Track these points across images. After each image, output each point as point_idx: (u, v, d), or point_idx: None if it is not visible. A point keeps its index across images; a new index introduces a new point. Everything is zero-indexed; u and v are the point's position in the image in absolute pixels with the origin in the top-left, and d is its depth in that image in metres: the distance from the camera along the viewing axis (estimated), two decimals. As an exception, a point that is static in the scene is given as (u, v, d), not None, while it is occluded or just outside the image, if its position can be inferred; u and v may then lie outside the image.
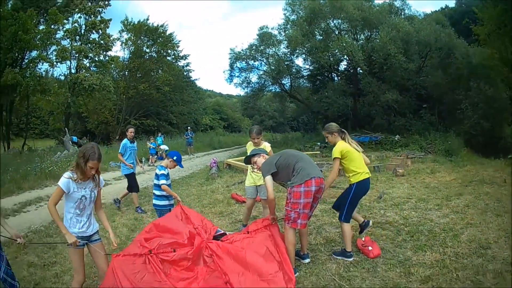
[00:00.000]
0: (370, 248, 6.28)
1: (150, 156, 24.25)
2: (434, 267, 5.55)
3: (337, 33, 30.75)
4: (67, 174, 4.49)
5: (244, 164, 7.62)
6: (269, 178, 5.85)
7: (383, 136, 25.96)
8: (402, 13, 30.84)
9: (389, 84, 27.25)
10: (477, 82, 22.67)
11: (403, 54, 25.28)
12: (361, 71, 29.15)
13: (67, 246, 4.58)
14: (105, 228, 4.99)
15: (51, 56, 32.82)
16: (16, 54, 28.79)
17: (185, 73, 50.32)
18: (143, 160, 23.56)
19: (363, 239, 6.55)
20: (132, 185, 11.11)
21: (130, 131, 11.43)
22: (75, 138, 28.28)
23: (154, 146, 24.43)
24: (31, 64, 29.78)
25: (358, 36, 31.44)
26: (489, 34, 22.62)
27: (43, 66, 33.74)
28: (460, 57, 24.50)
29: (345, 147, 6.40)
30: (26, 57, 30.64)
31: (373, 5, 29.73)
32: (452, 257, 5.86)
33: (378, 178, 13.52)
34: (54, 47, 33.08)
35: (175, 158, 7.38)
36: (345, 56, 30.04)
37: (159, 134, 30.59)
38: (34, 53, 30.42)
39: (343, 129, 6.63)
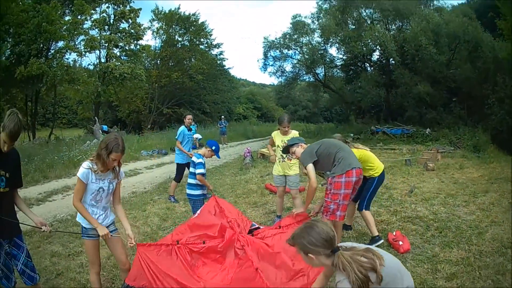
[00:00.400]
0: (400, 243, 6.35)
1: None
2: (459, 264, 5.65)
3: (369, 22, 31.19)
4: (86, 164, 4.38)
5: (281, 153, 7.55)
6: (311, 166, 5.85)
7: (415, 129, 26.09)
8: (431, 4, 31.00)
9: (421, 76, 27.41)
10: (503, 77, 22.38)
11: (434, 46, 25.36)
12: (393, 61, 29.37)
13: (83, 237, 4.61)
14: (123, 224, 4.82)
15: (79, 46, 33.40)
16: (41, 45, 29.19)
17: (218, 62, 50.35)
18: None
19: (394, 233, 6.70)
20: (178, 174, 11.15)
21: (188, 118, 11.43)
22: (105, 127, 28.47)
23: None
24: (57, 54, 30.20)
25: (390, 26, 31.62)
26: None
27: (71, 56, 34.15)
28: (487, 51, 24.19)
29: (357, 151, 6.62)
30: (52, 48, 31.15)
31: None
32: (476, 255, 5.97)
33: (409, 172, 13.73)
34: (82, 37, 33.66)
35: (213, 148, 7.42)
36: (378, 46, 30.25)
37: (192, 123, 30.73)
38: (61, 44, 30.78)
39: (346, 139, 6.78)
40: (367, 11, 31.42)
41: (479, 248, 6.21)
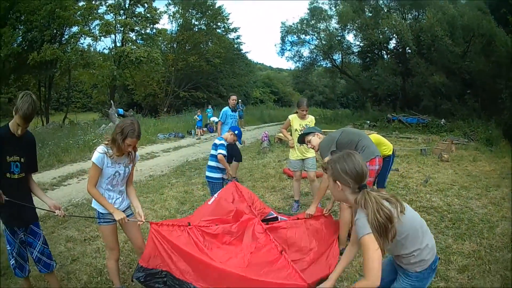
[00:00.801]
0: None
1: (197, 129, 25.12)
2: (471, 257, 5.80)
3: (386, 11, 31.20)
4: (101, 149, 4.29)
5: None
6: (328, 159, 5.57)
7: (430, 119, 26.28)
8: None
9: (436, 66, 27.48)
10: (516, 72, 22.23)
11: (449, 37, 25.46)
12: (409, 50, 29.70)
13: (99, 223, 4.53)
14: (133, 204, 4.76)
15: (94, 30, 33.85)
16: (55, 31, 29.55)
17: (235, 46, 50.29)
18: (192, 132, 24.52)
19: None
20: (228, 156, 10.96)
21: (233, 99, 11.31)
22: (121, 111, 28.47)
23: (200, 119, 25.38)
24: (72, 40, 30.63)
25: (406, 15, 31.57)
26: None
27: (86, 41, 34.20)
28: (500, 46, 24.12)
29: (372, 136, 6.78)
30: (66, 33, 31.51)
31: None
32: (487, 248, 6.11)
33: (424, 162, 13.96)
34: (97, 22, 34.03)
35: (236, 132, 7.52)
36: (394, 35, 30.39)
37: (209, 107, 30.99)
38: (75, 29, 31.18)
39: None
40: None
41: (490, 242, 6.37)
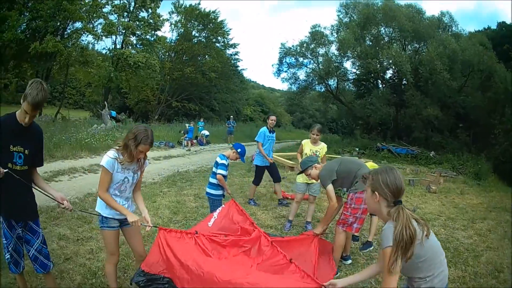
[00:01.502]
0: None
1: (187, 140, 24.72)
2: (456, 282, 5.99)
3: (386, 40, 31.55)
4: (112, 154, 4.26)
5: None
6: (330, 186, 6.05)
7: (420, 150, 26.40)
8: (450, 30, 31.11)
9: (432, 99, 27.78)
10: (512, 108, 22.60)
11: (448, 72, 25.66)
12: (405, 82, 29.80)
13: (102, 228, 4.43)
14: (140, 210, 4.67)
15: (97, 29, 33.31)
16: (58, 23, 29.22)
17: (233, 62, 50.54)
18: (182, 143, 24.57)
19: None
20: (257, 177, 10.57)
21: (272, 119, 10.60)
22: (113, 113, 28.34)
23: (191, 130, 25.39)
24: (74, 35, 30.39)
25: (407, 47, 31.96)
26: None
27: (87, 38, 34.09)
28: (498, 82, 24.46)
29: (368, 164, 7.36)
30: (69, 28, 31.24)
31: (424, 17, 30.31)
32: (471, 275, 6.32)
33: (412, 192, 13.96)
34: (100, 21, 33.69)
35: (239, 150, 7.31)
36: (392, 66, 30.38)
37: (201, 119, 31.13)
38: (79, 25, 30.97)
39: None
40: (386, 29, 31.78)
41: (475, 269, 6.57)
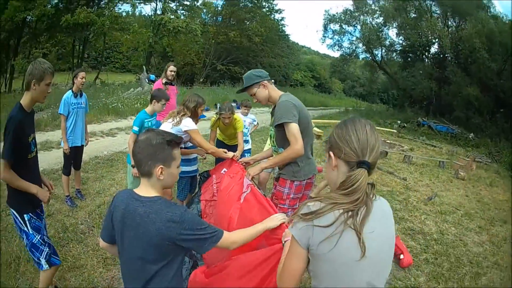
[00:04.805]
0: (401, 256, 5.80)
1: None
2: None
3: (428, 15, 30.37)
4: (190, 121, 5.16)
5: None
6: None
7: (460, 130, 25.52)
8: (488, 11, 29.59)
9: (472, 79, 26.75)
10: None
11: (487, 51, 24.68)
12: (449, 57, 28.70)
13: None
14: None
15: (133, -3, 34.35)
16: (92, -6, 29.65)
17: (279, 27, 49.86)
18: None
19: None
20: None
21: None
22: (152, 77, 28.30)
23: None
24: (110, 3, 30.76)
25: (447, 21, 30.87)
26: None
27: (124, 7, 35.03)
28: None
29: None
30: (105, -3, 31.65)
31: None
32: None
33: (438, 176, 12.86)
34: (137, -11, 33.95)
35: None
36: (435, 40, 29.91)
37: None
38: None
39: None
40: (426, 2, 30.89)
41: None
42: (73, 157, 6.76)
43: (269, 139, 5.46)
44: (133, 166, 5.27)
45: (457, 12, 28.34)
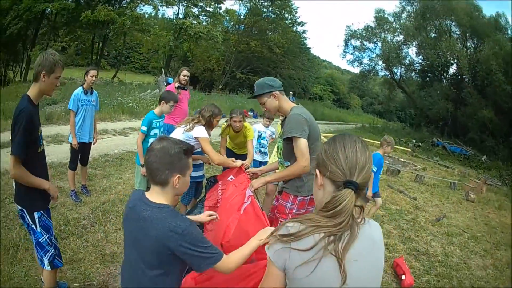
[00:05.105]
0: (403, 277, 5.65)
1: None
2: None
3: (448, 36, 30.40)
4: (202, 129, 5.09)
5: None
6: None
7: (473, 152, 25.39)
8: (505, 33, 29.57)
9: (487, 101, 26.57)
10: None
11: (503, 74, 24.44)
12: (466, 79, 28.52)
13: None
14: None
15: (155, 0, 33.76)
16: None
17: (301, 39, 50.03)
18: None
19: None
20: None
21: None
22: (170, 80, 28.36)
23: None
24: (132, 3, 30.91)
25: (466, 42, 30.93)
26: None
27: (146, 8, 35.14)
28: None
29: None
30: (127, -3, 32.03)
31: (482, 15, 29.40)
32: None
33: (448, 197, 12.72)
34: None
35: None
36: (454, 60, 29.92)
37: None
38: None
39: None
40: (447, 22, 31.02)
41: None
42: (80, 153, 6.83)
43: (275, 150, 5.89)
44: (142, 166, 5.37)
45: (476, 33, 28.49)
